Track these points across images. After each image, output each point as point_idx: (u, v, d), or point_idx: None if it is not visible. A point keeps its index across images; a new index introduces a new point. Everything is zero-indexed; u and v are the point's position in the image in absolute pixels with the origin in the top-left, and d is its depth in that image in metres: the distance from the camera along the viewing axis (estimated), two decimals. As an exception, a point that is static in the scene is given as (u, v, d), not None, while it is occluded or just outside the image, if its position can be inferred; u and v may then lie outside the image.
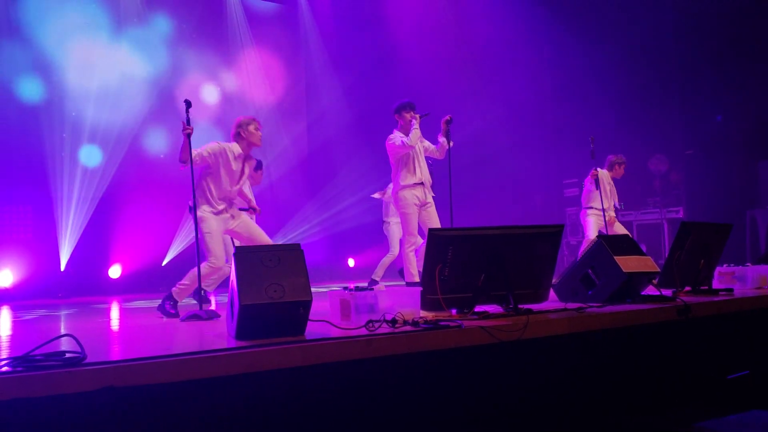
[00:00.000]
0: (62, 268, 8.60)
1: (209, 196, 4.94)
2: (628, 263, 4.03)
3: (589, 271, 4.16)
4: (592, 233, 7.57)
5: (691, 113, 10.08)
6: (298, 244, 3.19)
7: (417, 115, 6.07)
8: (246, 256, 3.05)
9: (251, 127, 5.04)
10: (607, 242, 4.14)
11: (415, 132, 6.02)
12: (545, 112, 11.49)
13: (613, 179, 7.81)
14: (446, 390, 3.07)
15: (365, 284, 6.14)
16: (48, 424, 2.25)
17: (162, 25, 10.24)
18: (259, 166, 6.51)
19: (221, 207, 4.96)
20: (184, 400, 2.48)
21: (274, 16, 11.62)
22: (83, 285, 8.64)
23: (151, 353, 2.64)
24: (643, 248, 5.14)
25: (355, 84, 11.48)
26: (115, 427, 2.36)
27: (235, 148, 5.01)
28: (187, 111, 4.56)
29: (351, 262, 11.65)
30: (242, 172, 5.08)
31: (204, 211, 4.90)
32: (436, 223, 6.10)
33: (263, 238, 5.12)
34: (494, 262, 3.50)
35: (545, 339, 3.28)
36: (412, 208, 6.07)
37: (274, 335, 2.96)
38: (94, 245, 8.91)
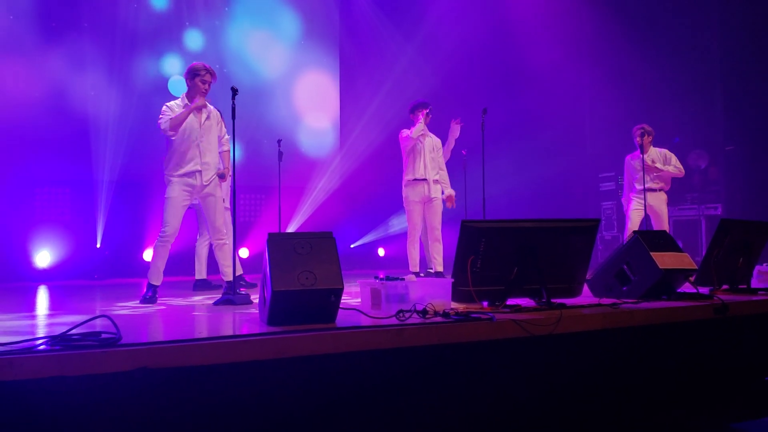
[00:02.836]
0: (98, 245, 8.77)
1: (176, 159, 4.82)
2: (664, 260, 3.94)
3: (625, 266, 4.08)
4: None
5: (732, 108, 9.81)
6: (330, 232, 3.19)
7: (425, 111, 6.59)
8: (279, 243, 3.07)
9: (196, 79, 4.83)
10: (644, 238, 4.05)
11: (419, 126, 6.54)
12: (582, 106, 11.30)
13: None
14: (476, 382, 3.05)
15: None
16: (83, 402, 2.30)
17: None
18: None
19: (182, 171, 4.79)
20: (215, 383, 2.51)
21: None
22: (119, 267, 8.78)
23: (184, 336, 2.68)
24: (680, 244, 5.02)
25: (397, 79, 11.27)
26: (147, 407, 2.40)
27: (181, 100, 4.87)
28: (233, 98, 4.54)
29: (381, 252, 11.64)
30: (200, 125, 4.84)
31: (169, 174, 4.82)
32: (437, 220, 6.59)
33: (217, 220, 4.88)
34: (528, 256, 3.46)
35: (578, 334, 3.23)
36: (412, 205, 6.63)
37: (305, 322, 2.98)
38: (129, 229, 9.03)
